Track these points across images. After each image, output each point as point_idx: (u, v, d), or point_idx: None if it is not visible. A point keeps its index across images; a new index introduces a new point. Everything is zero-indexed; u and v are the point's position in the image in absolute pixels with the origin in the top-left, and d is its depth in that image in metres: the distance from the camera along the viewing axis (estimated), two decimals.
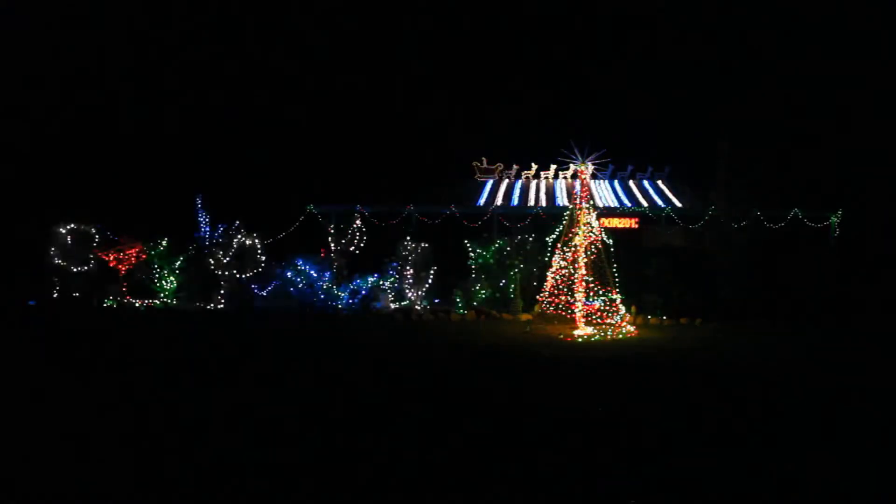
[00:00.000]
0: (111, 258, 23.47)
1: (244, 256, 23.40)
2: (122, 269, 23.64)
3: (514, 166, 32.12)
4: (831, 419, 8.85)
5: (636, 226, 27.04)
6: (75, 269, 23.36)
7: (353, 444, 7.35)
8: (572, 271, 18.01)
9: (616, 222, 26.29)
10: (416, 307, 22.35)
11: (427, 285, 22.83)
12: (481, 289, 22.37)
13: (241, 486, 6.10)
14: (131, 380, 10.91)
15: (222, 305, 22.93)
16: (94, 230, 23.74)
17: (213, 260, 23.15)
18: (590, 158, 18.79)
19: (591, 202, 18.82)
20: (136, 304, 23.05)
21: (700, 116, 38.06)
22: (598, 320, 18.15)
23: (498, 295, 22.49)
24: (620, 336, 17.21)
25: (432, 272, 22.89)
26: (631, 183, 31.08)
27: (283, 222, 26.72)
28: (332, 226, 24.44)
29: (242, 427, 8.05)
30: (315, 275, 22.49)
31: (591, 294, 18.08)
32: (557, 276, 18.29)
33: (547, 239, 22.67)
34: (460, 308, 21.89)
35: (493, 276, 22.60)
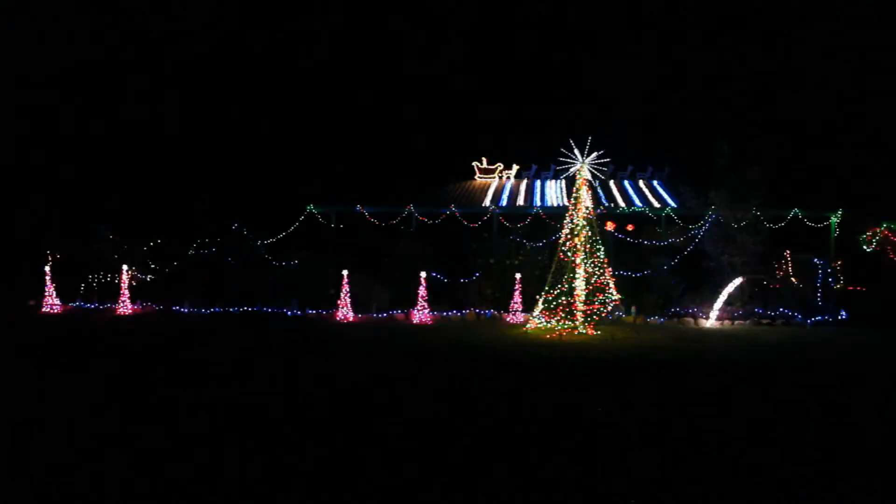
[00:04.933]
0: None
1: (244, 256, 23.41)
2: None
3: (515, 166, 32.15)
4: (832, 419, 8.85)
5: (636, 226, 27.03)
6: (75, 269, 23.33)
7: (351, 445, 7.35)
8: (573, 271, 18.01)
9: (616, 222, 26.27)
10: (417, 307, 22.31)
11: (427, 285, 22.79)
12: (483, 289, 22.39)
13: (241, 487, 6.10)
14: (132, 379, 10.91)
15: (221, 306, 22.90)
16: (94, 229, 23.73)
17: (216, 259, 23.14)
18: (589, 159, 18.79)
19: (591, 202, 18.80)
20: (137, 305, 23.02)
21: (700, 116, 38.04)
22: (598, 320, 18.15)
23: (498, 295, 22.49)
24: (621, 336, 17.22)
25: (432, 272, 22.85)
26: (631, 183, 31.09)
27: (283, 222, 26.71)
28: (332, 225, 24.47)
29: (241, 427, 8.04)
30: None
31: (592, 294, 18.07)
32: (557, 277, 18.29)
33: (547, 239, 22.66)
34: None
35: (494, 276, 22.60)
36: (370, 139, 40.25)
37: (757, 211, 22.61)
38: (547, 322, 18.02)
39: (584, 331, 17.60)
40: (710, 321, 20.45)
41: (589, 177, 18.85)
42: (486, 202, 28.72)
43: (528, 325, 18.48)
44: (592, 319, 17.96)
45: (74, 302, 22.99)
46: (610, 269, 18.61)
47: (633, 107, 42.57)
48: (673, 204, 27.58)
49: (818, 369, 12.98)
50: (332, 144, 39.58)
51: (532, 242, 23.38)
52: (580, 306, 17.86)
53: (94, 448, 7.17)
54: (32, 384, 10.47)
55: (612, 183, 30.78)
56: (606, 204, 27.28)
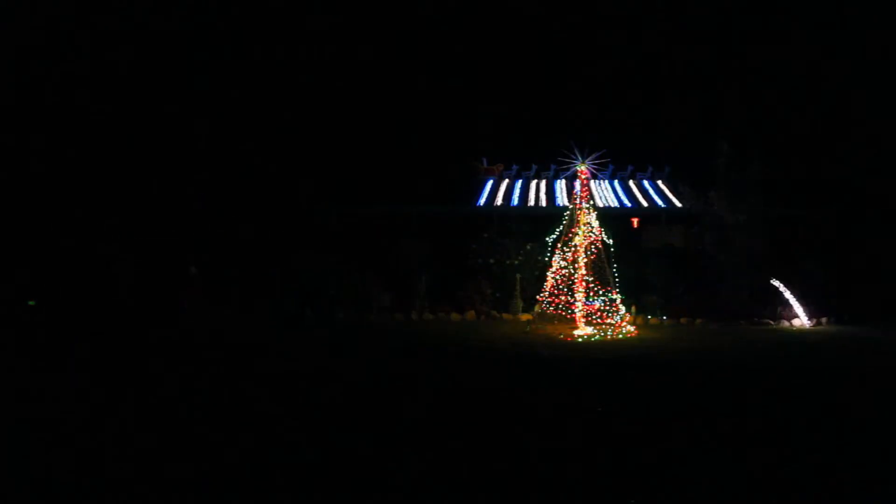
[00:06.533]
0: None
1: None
2: None
3: (514, 166, 32.20)
4: (832, 419, 8.85)
5: (636, 226, 27.05)
6: (75, 269, 23.36)
7: (351, 444, 7.35)
8: (572, 271, 18.02)
9: (616, 222, 26.31)
10: (416, 307, 22.34)
11: (427, 285, 22.82)
12: (483, 289, 22.41)
13: (242, 487, 6.10)
14: (131, 377, 10.92)
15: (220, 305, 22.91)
16: (94, 230, 23.76)
17: (214, 259, 23.17)
18: (589, 159, 18.79)
19: (591, 202, 18.81)
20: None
21: (700, 116, 38.00)
22: (598, 320, 18.14)
23: (498, 295, 22.50)
24: (620, 336, 17.22)
25: (432, 272, 22.89)
26: (631, 183, 31.11)
27: (283, 222, 26.69)
28: (331, 225, 24.51)
29: (241, 426, 8.05)
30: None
31: (591, 294, 18.08)
32: (557, 276, 18.30)
33: (547, 239, 22.65)
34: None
35: (494, 276, 22.62)
36: (369, 138, 40.20)
37: (760, 209, 22.59)
38: (548, 322, 18.03)
39: (585, 331, 17.58)
40: (710, 321, 20.40)
41: (589, 176, 18.85)
42: (486, 202, 28.73)
43: (528, 326, 18.47)
44: (593, 320, 17.96)
45: (74, 302, 23.00)
46: (610, 269, 18.61)
47: (633, 106, 42.52)
48: (674, 204, 27.60)
49: (818, 368, 12.96)
50: (330, 143, 39.54)
51: (532, 242, 23.36)
52: (580, 306, 17.86)
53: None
54: None
55: (614, 182, 30.84)
56: (606, 205, 27.28)
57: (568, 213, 18.58)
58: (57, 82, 35.68)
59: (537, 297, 18.73)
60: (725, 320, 20.51)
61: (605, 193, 29.42)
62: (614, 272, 18.66)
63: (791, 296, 20.86)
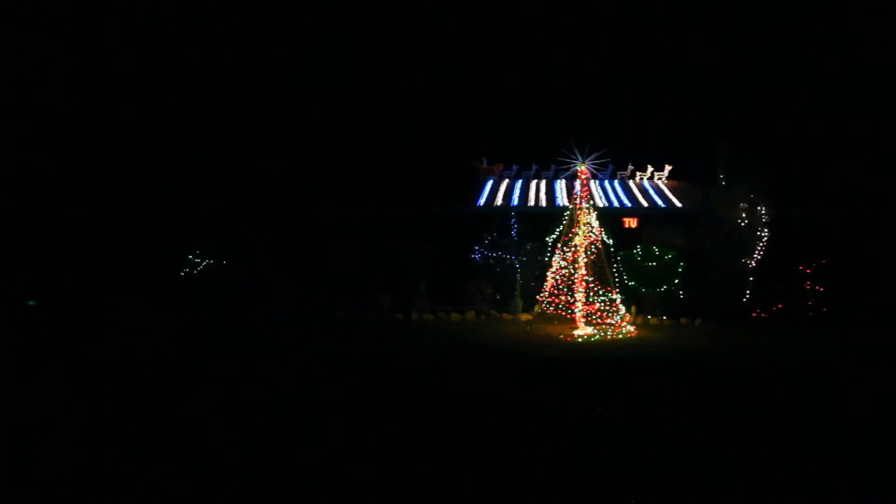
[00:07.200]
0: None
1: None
2: None
3: (514, 166, 32.17)
4: (832, 419, 8.85)
5: (636, 226, 27.03)
6: (75, 269, 23.34)
7: (352, 444, 7.35)
8: (572, 271, 18.02)
9: (616, 222, 26.29)
10: (416, 307, 22.32)
11: (427, 285, 22.81)
12: (483, 288, 22.41)
13: (241, 486, 6.11)
14: (128, 378, 10.92)
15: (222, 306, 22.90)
16: (93, 230, 23.74)
17: (213, 261, 23.17)
18: (589, 158, 18.80)
19: (591, 202, 18.82)
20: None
21: (700, 116, 38.00)
22: (598, 320, 18.15)
23: (498, 295, 22.49)
24: (620, 336, 17.22)
25: (432, 272, 22.87)
26: (631, 183, 31.08)
27: (284, 222, 26.65)
28: (331, 225, 24.49)
29: (240, 427, 8.05)
30: None
31: (591, 294, 18.08)
32: (557, 276, 18.31)
33: (547, 239, 22.67)
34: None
35: (494, 276, 22.61)
36: (369, 138, 40.19)
37: (761, 209, 22.59)
38: (548, 322, 18.04)
39: (585, 331, 17.58)
40: (709, 321, 20.37)
41: (589, 176, 18.87)
42: (487, 202, 28.72)
43: (528, 326, 18.47)
44: (593, 320, 17.96)
45: (73, 301, 23.00)
46: (610, 269, 18.61)
47: (633, 106, 42.53)
48: (674, 204, 27.58)
49: (817, 368, 12.96)
50: (330, 143, 39.53)
51: (532, 242, 23.36)
52: (580, 306, 17.86)
53: None
54: None
55: (614, 182, 30.84)
56: (606, 205, 27.27)
57: (568, 213, 18.59)
58: (55, 81, 35.71)
59: (537, 297, 18.74)
60: (725, 320, 20.52)
61: (605, 193, 29.41)
62: (614, 272, 18.66)
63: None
